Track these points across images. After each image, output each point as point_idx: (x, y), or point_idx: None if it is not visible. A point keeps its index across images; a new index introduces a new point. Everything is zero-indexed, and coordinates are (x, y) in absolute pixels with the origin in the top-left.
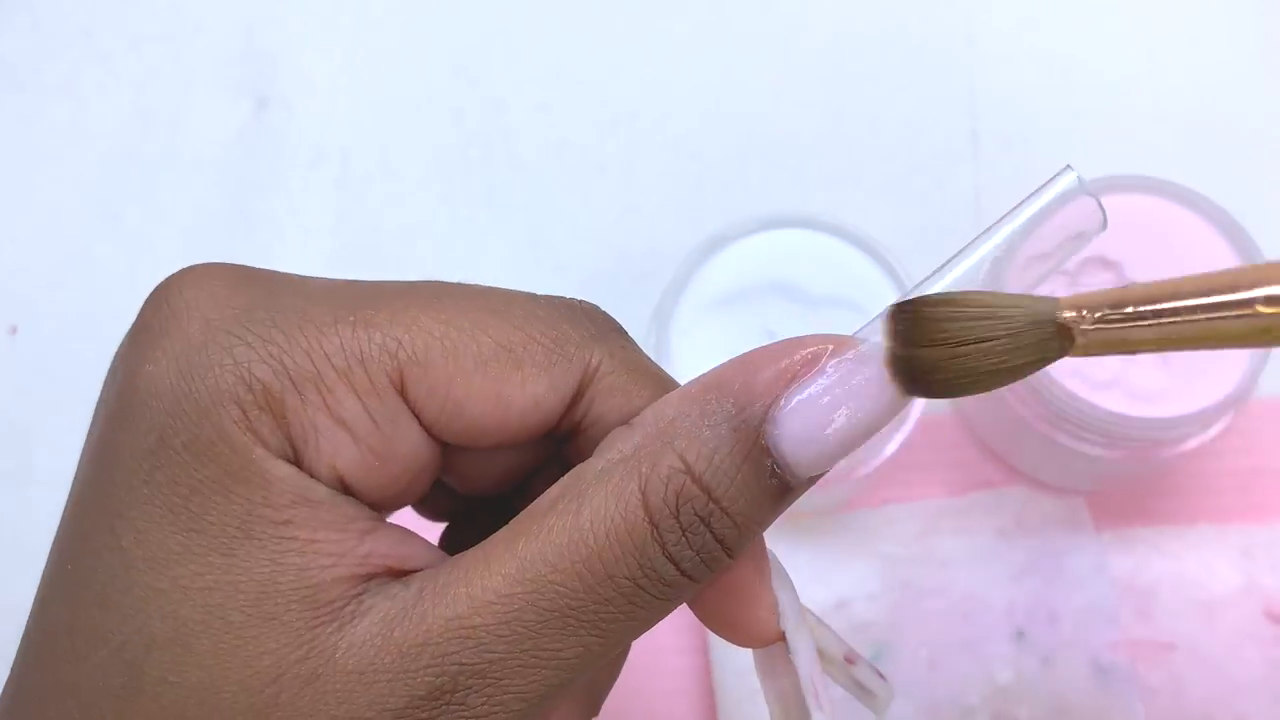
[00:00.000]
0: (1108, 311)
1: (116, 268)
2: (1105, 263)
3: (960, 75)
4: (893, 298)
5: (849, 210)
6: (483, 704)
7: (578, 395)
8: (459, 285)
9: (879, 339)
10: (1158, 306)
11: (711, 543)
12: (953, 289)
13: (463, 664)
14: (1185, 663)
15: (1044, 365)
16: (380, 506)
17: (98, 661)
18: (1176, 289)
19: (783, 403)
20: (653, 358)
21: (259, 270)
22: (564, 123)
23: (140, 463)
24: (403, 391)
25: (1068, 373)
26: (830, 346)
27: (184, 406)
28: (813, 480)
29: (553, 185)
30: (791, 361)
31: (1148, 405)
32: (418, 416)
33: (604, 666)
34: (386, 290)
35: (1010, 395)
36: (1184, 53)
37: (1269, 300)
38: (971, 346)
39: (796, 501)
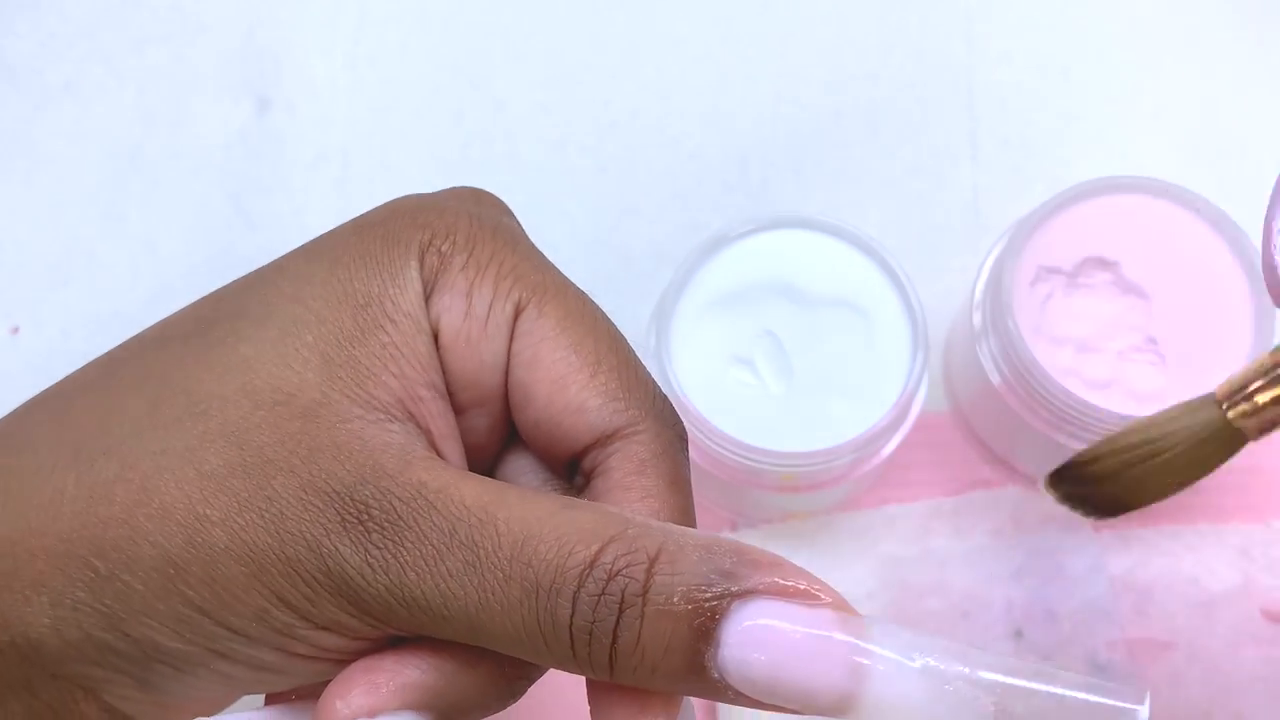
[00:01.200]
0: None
1: (118, 268)
2: (1103, 263)
3: (959, 76)
4: (891, 298)
5: (848, 211)
6: (378, 554)
7: (609, 437)
8: (581, 298)
9: (885, 655)
10: None
11: (608, 625)
12: None
13: (396, 512)
14: (1183, 661)
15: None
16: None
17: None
18: None
19: (763, 601)
20: (653, 358)
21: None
22: (564, 123)
23: (341, 231)
24: (514, 323)
25: (1066, 372)
26: (848, 615)
27: (388, 208)
28: (726, 690)
29: (553, 185)
30: (805, 587)
31: (1146, 404)
32: (510, 343)
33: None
34: (548, 263)
35: (1009, 395)
36: (1182, 54)
37: None
38: (1147, 468)
39: (795, 502)
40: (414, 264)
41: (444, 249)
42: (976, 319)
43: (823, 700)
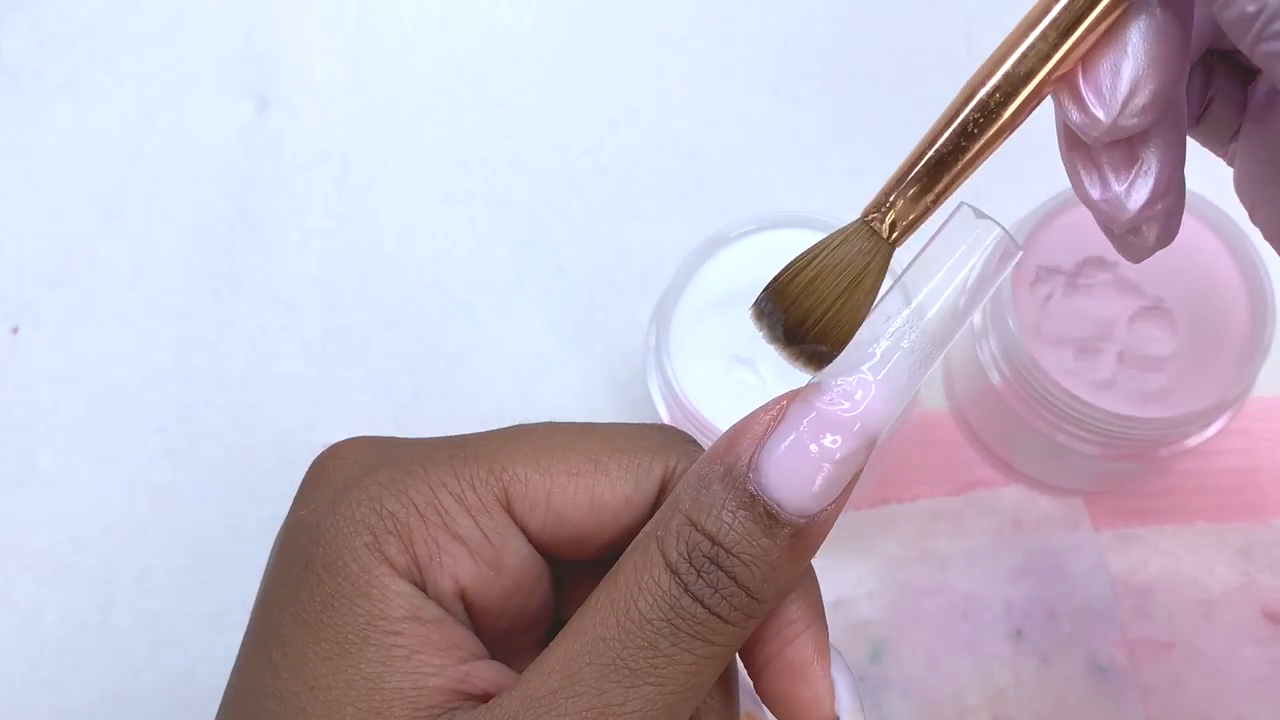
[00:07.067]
0: (896, 186)
1: (118, 268)
2: (1103, 263)
3: (959, 77)
4: (892, 296)
5: (848, 211)
6: None
7: (662, 492)
8: (548, 423)
9: (839, 375)
10: (925, 159)
11: (726, 580)
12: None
13: None
14: (1183, 662)
15: (883, 267)
16: (500, 619)
17: None
18: (928, 137)
19: (762, 453)
20: (653, 358)
21: (389, 437)
22: (564, 123)
23: (289, 587)
24: (509, 508)
25: (1066, 372)
26: (787, 401)
27: (326, 536)
28: (817, 520)
29: (553, 185)
30: (765, 418)
31: (1146, 405)
32: (525, 530)
33: None
34: (489, 434)
35: (1009, 395)
36: None
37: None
38: (818, 282)
39: None
40: (389, 580)
41: (383, 540)
42: (977, 319)
43: (854, 439)
